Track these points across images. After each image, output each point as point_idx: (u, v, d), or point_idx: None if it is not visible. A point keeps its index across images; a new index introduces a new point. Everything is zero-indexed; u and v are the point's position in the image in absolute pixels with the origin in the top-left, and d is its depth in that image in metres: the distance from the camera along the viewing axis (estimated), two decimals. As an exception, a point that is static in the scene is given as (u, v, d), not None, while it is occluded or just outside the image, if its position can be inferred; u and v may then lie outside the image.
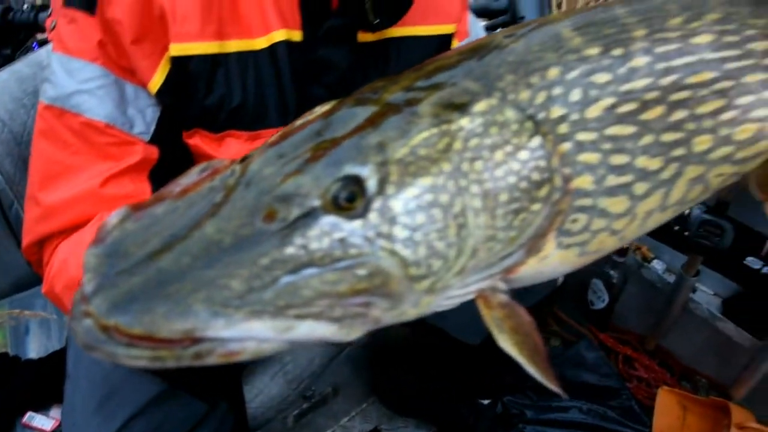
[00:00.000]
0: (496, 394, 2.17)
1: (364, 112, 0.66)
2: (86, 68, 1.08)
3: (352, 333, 0.62)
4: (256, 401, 1.65)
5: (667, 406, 2.23)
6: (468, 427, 2.08)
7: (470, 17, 1.43)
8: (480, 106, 0.67)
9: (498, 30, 1.41)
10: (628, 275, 2.40)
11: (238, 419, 1.38)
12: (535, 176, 0.68)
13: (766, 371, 2.15)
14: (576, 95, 0.71)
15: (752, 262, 2.22)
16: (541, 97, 0.70)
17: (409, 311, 0.65)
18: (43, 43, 2.55)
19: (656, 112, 0.74)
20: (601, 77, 0.72)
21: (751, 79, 0.80)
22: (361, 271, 0.60)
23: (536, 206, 0.69)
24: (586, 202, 0.73)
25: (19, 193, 1.70)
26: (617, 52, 0.73)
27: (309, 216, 0.60)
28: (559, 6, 2.93)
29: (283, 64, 1.14)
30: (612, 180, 0.73)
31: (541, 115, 0.69)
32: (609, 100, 0.72)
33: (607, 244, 0.78)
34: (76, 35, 1.08)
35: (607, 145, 0.72)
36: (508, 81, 0.69)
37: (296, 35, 1.15)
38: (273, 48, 1.13)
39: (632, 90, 0.73)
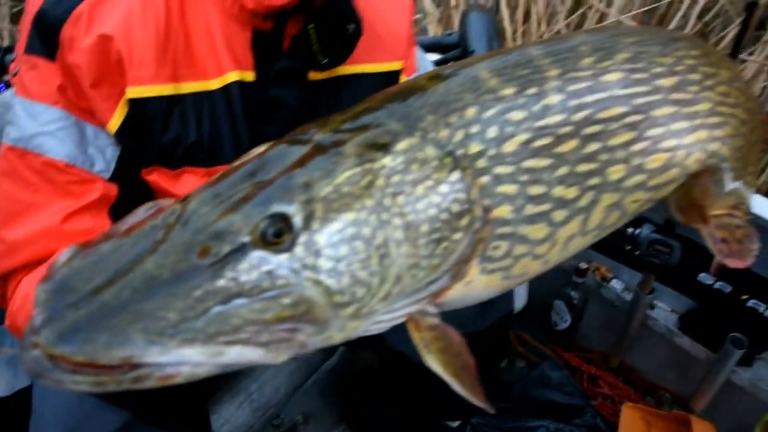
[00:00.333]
0: (465, 416, 2.21)
1: (294, 154, 0.73)
2: (47, 111, 1.13)
3: (280, 356, 0.68)
4: (223, 430, 1.68)
5: (631, 421, 2.29)
6: (438, 450, 2.11)
7: (418, 53, 1.51)
8: (402, 145, 0.74)
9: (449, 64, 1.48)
10: (588, 295, 2.46)
11: (205, 448, 1.41)
12: (456, 208, 0.74)
13: (723, 382, 2.22)
14: (492, 132, 0.77)
15: (705, 278, 2.30)
16: (459, 135, 0.76)
17: (336, 335, 0.71)
18: (9, 84, 2.58)
19: (570, 145, 0.81)
20: (517, 115, 0.79)
21: (659, 112, 0.88)
22: (287, 300, 0.66)
23: (458, 235, 0.75)
24: (507, 230, 0.79)
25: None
26: (531, 91, 0.80)
27: (239, 251, 0.66)
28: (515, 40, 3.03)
29: (237, 104, 1.20)
30: (531, 209, 0.80)
31: (459, 152, 0.76)
32: (524, 136, 0.79)
33: (530, 268, 0.85)
34: (37, 80, 1.13)
35: (524, 177, 0.79)
36: (428, 121, 0.76)
37: (249, 76, 1.21)
38: (227, 88, 1.19)
39: (546, 125, 0.80)
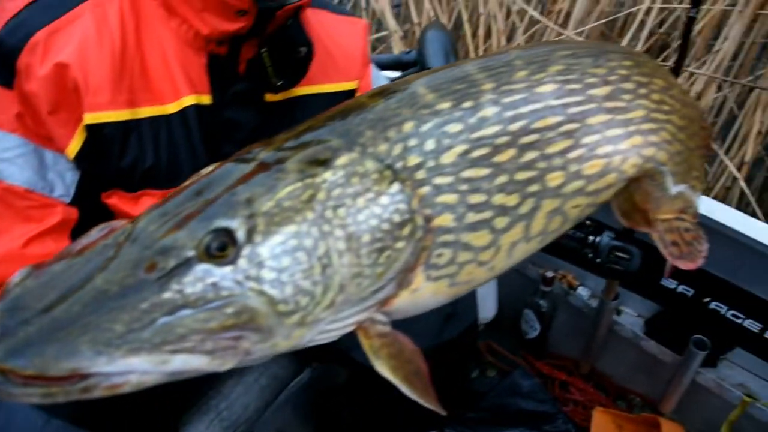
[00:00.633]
0: (438, 428, 2.23)
1: (238, 172, 0.76)
2: (6, 138, 1.15)
3: (225, 364, 0.71)
4: (194, 449, 1.69)
5: (602, 426, 2.33)
6: (412, 461, 2.13)
7: (374, 72, 1.55)
8: (342, 160, 0.77)
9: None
10: (556, 303, 2.51)
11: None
12: (397, 218, 0.78)
13: (689, 384, 2.26)
14: (430, 144, 0.81)
15: (668, 282, 2.36)
16: (398, 149, 0.80)
17: (281, 343, 0.74)
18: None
19: (508, 154, 0.85)
20: (454, 127, 0.83)
21: (594, 120, 0.92)
22: (230, 310, 0.69)
23: (400, 244, 0.78)
24: (449, 237, 0.83)
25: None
26: (467, 104, 0.84)
27: (184, 265, 0.69)
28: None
29: (194, 126, 1.23)
30: (472, 217, 0.84)
31: (399, 164, 0.79)
32: (462, 147, 0.82)
33: (476, 274, 0.88)
34: None
35: (464, 187, 0.83)
36: (367, 136, 0.80)
37: (205, 99, 1.24)
38: (184, 112, 1.23)
39: (483, 136, 0.84)
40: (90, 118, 1.14)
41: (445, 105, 0.83)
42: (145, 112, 1.19)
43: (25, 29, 1.12)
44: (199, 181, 0.78)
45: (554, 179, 0.88)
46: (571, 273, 2.57)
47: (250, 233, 0.71)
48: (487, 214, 0.84)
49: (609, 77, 0.94)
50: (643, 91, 0.98)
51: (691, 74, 2.82)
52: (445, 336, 1.62)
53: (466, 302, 1.70)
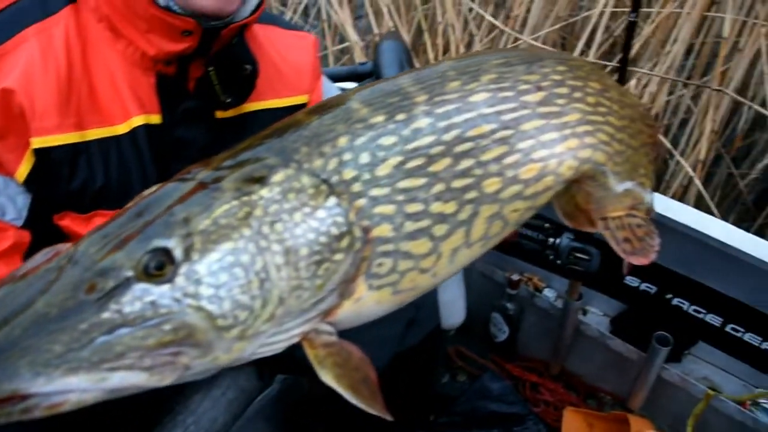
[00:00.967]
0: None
1: (177, 192, 0.78)
2: None
3: (165, 379, 0.73)
4: (163, 467, 1.68)
5: (573, 425, 2.36)
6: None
7: (326, 84, 1.57)
8: (278, 177, 0.79)
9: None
10: (523, 306, 2.54)
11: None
12: (334, 231, 0.80)
13: (655, 380, 2.30)
14: (365, 158, 0.83)
15: (631, 280, 2.40)
16: (333, 163, 0.82)
17: (222, 357, 0.76)
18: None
19: (443, 163, 0.87)
20: (387, 140, 0.85)
21: (528, 126, 0.94)
22: (168, 327, 0.71)
23: (339, 256, 0.80)
24: (389, 247, 0.85)
25: None
26: (401, 116, 0.86)
27: (123, 285, 0.71)
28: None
29: (144, 146, 1.24)
30: (410, 226, 0.86)
31: (334, 178, 0.81)
32: (397, 159, 0.85)
33: (419, 282, 0.90)
34: None
35: (401, 197, 0.85)
36: (303, 153, 0.82)
37: (155, 119, 1.25)
38: (133, 132, 1.23)
39: (418, 147, 0.86)
40: (37, 142, 1.15)
41: (379, 118, 0.86)
42: (94, 134, 1.20)
43: None
44: (140, 202, 0.79)
45: (491, 185, 0.90)
46: (536, 275, 2.61)
47: (188, 251, 0.73)
48: (425, 223, 0.86)
49: (542, 83, 0.97)
50: (578, 94, 1.00)
51: (641, 76, 2.88)
52: (408, 342, 1.63)
53: (428, 308, 1.71)
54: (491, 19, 3.11)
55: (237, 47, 1.27)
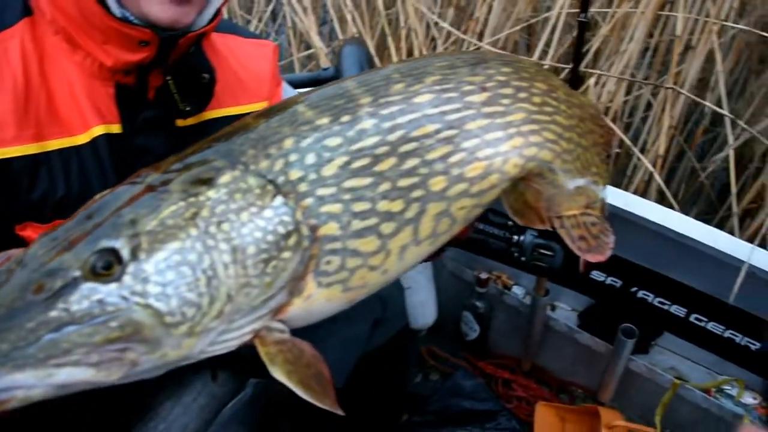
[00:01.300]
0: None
1: (127, 195, 0.81)
2: None
3: (112, 375, 0.75)
4: (136, 475, 1.69)
5: (545, 420, 2.40)
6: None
7: (286, 90, 1.60)
8: (224, 178, 0.82)
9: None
10: (493, 304, 2.58)
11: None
12: (281, 229, 0.82)
13: (623, 372, 2.36)
14: (311, 159, 0.86)
15: (597, 275, 2.45)
16: (279, 164, 0.85)
17: (171, 353, 0.78)
18: None
19: (389, 163, 0.90)
20: (333, 141, 0.88)
21: (472, 125, 0.96)
22: (114, 323, 0.73)
23: (287, 254, 0.83)
24: (337, 245, 0.87)
25: None
26: (345, 118, 0.89)
27: (71, 285, 0.73)
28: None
29: (105, 155, 1.26)
30: (357, 224, 0.88)
31: (281, 179, 0.84)
32: (342, 159, 0.87)
33: (369, 279, 0.92)
34: None
35: (347, 196, 0.87)
36: (249, 155, 0.85)
37: (115, 128, 1.27)
38: (94, 142, 1.25)
39: (363, 148, 0.89)
40: None
41: (324, 120, 0.88)
42: (54, 144, 1.22)
43: None
44: (90, 206, 0.81)
45: (437, 183, 0.93)
46: (505, 273, 2.65)
47: (135, 251, 0.75)
48: (372, 221, 0.89)
49: (486, 84, 0.98)
50: (523, 95, 1.02)
51: (600, 76, 2.94)
52: (375, 342, 1.66)
53: (395, 308, 1.74)
54: (448, 26, 3.16)
55: (194, 56, 1.30)
